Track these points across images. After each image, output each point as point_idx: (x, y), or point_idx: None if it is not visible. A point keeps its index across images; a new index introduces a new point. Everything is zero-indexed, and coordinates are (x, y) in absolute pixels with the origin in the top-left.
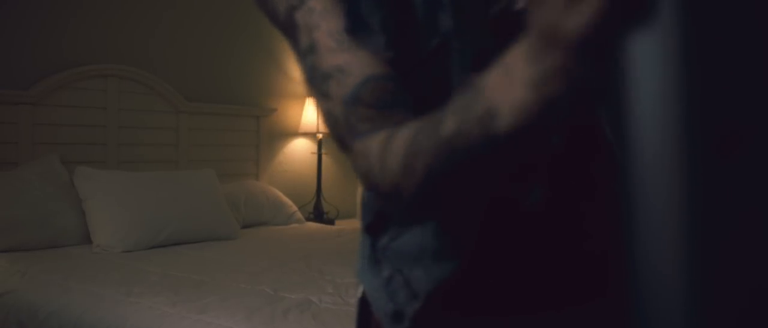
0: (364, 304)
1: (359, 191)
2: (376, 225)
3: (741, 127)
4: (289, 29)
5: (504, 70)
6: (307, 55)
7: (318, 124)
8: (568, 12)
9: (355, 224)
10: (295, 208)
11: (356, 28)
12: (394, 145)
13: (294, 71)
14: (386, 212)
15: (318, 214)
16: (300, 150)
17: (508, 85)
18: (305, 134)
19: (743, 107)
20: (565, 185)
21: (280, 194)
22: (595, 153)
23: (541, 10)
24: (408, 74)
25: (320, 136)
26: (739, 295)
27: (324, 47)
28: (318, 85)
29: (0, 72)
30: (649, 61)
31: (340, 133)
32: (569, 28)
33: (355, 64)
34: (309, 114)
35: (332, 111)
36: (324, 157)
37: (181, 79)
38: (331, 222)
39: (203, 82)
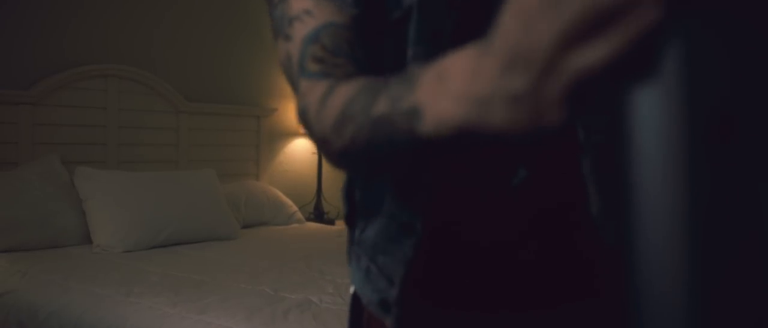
0: (355, 299)
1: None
2: (351, 216)
3: (734, 115)
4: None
5: (441, 73)
6: (278, 5)
7: None
8: (578, 43)
9: None
10: (295, 208)
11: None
12: (332, 100)
13: None
14: (357, 203)
15: (318, 214)
16: (300, 150)
17: (440, 91)
18: (306, 134)
19: (737, 96)
20: (553, 167)
21: (280, 194)
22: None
23: (522, 14)
24: (369, 39)
25: None
26: (736, 287)
27: None
28: (284, 29)
29: (0, 72)
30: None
31: (292, 75)
32: (573, 62)
33: (320, 11)
34: None
35: (290, 51)
36: (324, 158)
37: (181, 79)
38: (331, 222)
39: (203, 82)
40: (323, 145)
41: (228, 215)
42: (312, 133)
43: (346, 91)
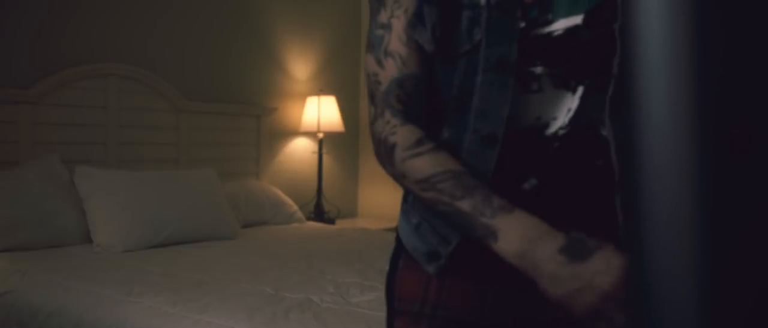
0: (399, 242)
1: (359, 190)
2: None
3: (752, 126)
4: (380, 3)
5: (522, 221)
6: (382, 28)
7: (318, 123)
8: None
9: (355, 224)
10: (295, 207)
11: (417, 23)
12: (424, 160)
13: (295, 70)
14: None
15: (318, 213)
16: (300, 149)
17: (514, 238)
18: (306, 134)
19: (754, 106)
20: (558, 178)
21: (280, 193)
22: (593, 150)
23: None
24: (443, 66)
25: (321, 135)
26: (749, 296)
27: (395, 32)
28: (379, 54)
29: (0, 71)
30: (659, 58)
31: (373, 91)
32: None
33: (409, 59)
34: (309, 113)
35: (380, 77)
36: (325, 157)
37: (181, 79)
38: (331, 222)
39: (204, 82)
40: (396, 177)
41: (228, 215)
42: (389, 163)
43: (438, 163)
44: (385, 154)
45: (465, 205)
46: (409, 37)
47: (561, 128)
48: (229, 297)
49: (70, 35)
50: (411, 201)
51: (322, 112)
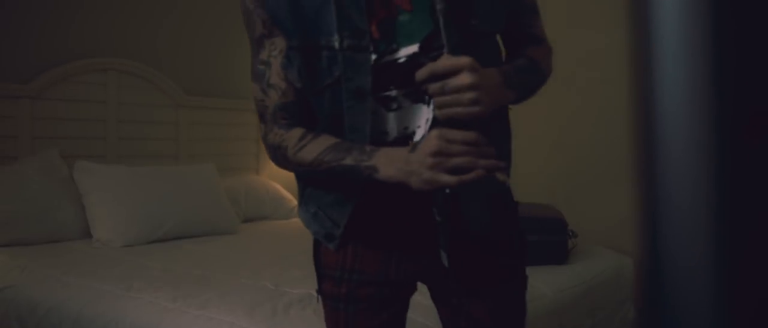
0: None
1: None
2: (299, 178)
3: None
4: (257, 43)
5: (389, 154)
6: (263, 64)
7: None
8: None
9: None
10: (295, 202)
11: (287, 64)
12: (310, 147)
13: None
14: (303, 177)
15: None
16: None
17: (389, 164)
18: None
19: None
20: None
21: (280, 188)
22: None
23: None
24: (312, 96)
25: None
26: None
27: (274, 69)
28: (263, 84)
29: (0, 66)
30: (676, 44)
31: (262, 112)
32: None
33: (287, 90)
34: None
35: (266, 103)
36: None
37: (181, 74)
38: None
39: (203, 76)
40: (294, 169)
41: (228, 210)
42: (285, 162)
43: (320, 144)
44: (280, 156)
45: (348, 160)
46: (283, 72)
47: (424, 135)
48: (229, 292)
49: (70, 30)
50: (307, 194)
51: None
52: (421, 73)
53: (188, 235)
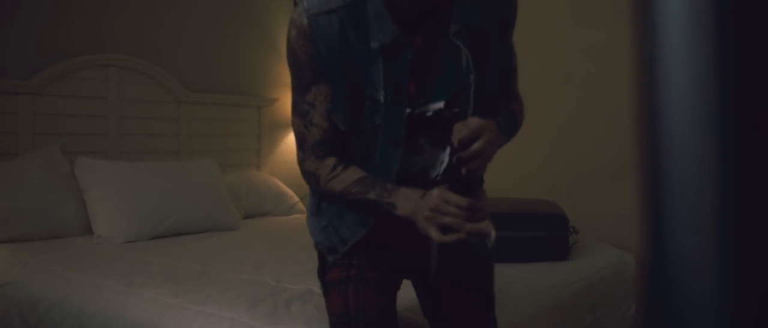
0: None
1: None
2: (313, 192)
3: None
4: (304, 87)
5: (407, 194)
6: (308, 104)
7: None
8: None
9: None
10: (296, 198)
11: (333, 109)
12: (340, 177)
13: None
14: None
15: None
16: None
17: (405, 203)
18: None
19: None
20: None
21: (281, 184)
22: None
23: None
24: (353, 137)
25: None
26: None
27: (318, 111)
28: (306, 121)
29: (0, 62)
30: (680, 40)
31: (302, 143)
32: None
33: (328, 130)
34: None
35: (307, 137)
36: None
37: (182, 69)
38: None
39: (204, 72)
40: (323, 193)
41: (229, 206)
42: (318, 187)
43: (348, 177)
44: (313, 182)
45: (372, 195)
46: (328, 115)
47: (438, 174)
48: (230, 288)
49: (71, 26)
50: (322, 208)
51: None
52: (455, 139)
53: (189, 231)
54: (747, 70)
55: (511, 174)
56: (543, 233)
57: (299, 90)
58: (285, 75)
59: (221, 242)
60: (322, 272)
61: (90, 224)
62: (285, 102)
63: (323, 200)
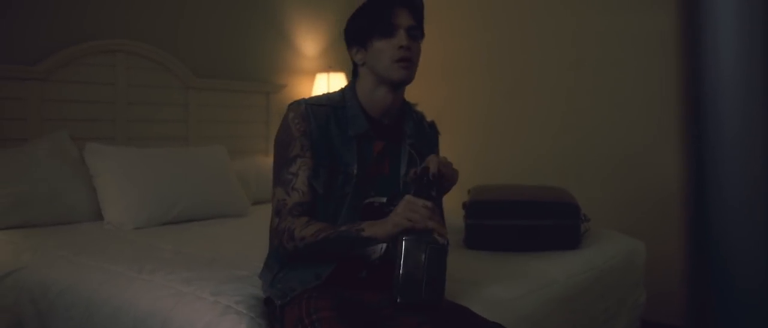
0: (268, 301)
1: None
2: (269, 262)
3: None
4: (290, 159)
5: (372, 226)
6: (291, 174)
7: None
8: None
9: None
10: None
11: (314, 176)
12: (309, 229)
13: (304, 47)
14: (278, 261)
15: None
16: None
17: (372, 231)
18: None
19: None
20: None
21: None
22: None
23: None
24: (325, 201)
25: None
26: None
27: (300, 178)
28: (288, 189)
29: (8, 48)
30: (729, 40)
31: (280, 209)
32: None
33: (307, 193)
34: (319, 90)
35: (287, 201)
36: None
37: (190, 55)
38: None
39: (213, 58)
40: (293, 244)
41: (238, 192)
42: (292, 243)
43: (320, 224)
44: (287, 237)
45: (342, 227)
46: (309, 182)
47: (379, 256)
48: (240, 275)
49: (78, 11)
50: (274, 256)
51: (331, 88)
52: (432, 164)
53: (199, 217)
54: None
55: (523, 161)
56: (555, 222)
57: (284, 164)
58: (293, 61)
59: (231, 228)
60: (308, 308)
61: (100, 210)
62: (293, 88)
63: (284, 267)
